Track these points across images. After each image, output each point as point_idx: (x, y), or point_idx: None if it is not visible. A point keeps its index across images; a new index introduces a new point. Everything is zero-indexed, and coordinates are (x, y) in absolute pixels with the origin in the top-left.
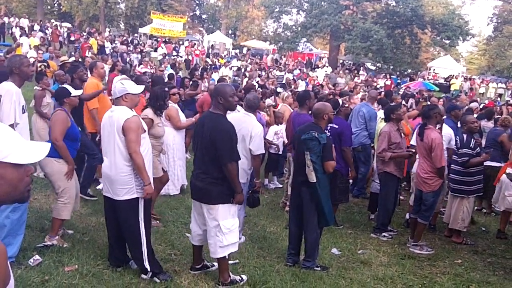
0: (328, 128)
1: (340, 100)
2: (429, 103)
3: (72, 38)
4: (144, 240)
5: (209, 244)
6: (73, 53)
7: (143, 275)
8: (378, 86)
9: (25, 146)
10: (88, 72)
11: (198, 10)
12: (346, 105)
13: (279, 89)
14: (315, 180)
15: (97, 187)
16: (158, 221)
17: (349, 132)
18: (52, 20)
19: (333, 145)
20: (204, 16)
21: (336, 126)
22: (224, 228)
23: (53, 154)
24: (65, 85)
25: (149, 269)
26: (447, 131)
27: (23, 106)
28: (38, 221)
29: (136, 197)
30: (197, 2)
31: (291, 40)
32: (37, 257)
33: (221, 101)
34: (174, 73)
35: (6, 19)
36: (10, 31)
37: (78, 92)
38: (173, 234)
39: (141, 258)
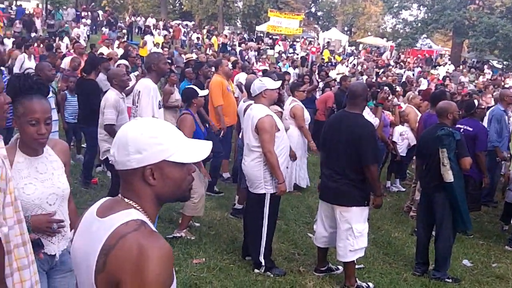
0: (461, 130)
1: (476, 101)
2: None
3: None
4: (265, 235)
5: (338, 247)
6: (194, 50)
7: (256, 270)
8: (506, 86)
9: (188, 145)
10: (213, 69)
11: (313, 7)
12: (483, 106)
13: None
14: (452, 180)
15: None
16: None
17: (484, 136)
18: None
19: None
20: (319, 13)
21: (470, 129)
22: (356, 232)
23: None
24: (192, 86)
25: (263, 263)
26: None
27: (159, 101)
28: (167, 212)
29: (263, 192)
30: None
31: (410, 37)
32: None
33: (366, 100)
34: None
35: (133, 19)
36: (136, 30)
37: (205, 93)
38: (295, 233)
39: (258, 252)
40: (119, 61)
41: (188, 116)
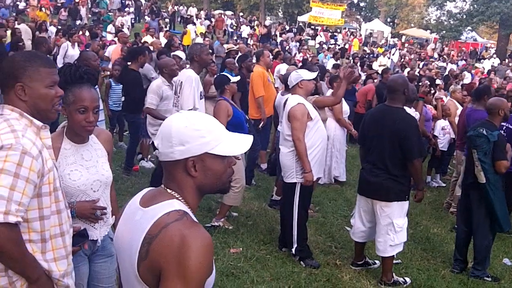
0: (504, 128)
1: None
2: None
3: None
4: (296, 224)
5: (378, 241)
6: (237, 40)
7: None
8: None
9: (230, 138)
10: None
11: None
12: None
13: (438, 81)
14: (484, 181)
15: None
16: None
17: None
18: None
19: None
20: (362, 4)
21: None
22: (396, 227)
23: None
24: (224, 73)
25: (294, 253)
26: None
27: (200, 92)
28: (206, 201)
29: (295, 182)
30: None
31: (454, 29)
32: None
33: (406, 93)
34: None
35: (176, 8)
36: (179, 19)
37: (236, 78)
38: (332, 226)
39: (291, 241)
40: (175, 53)
41: (222, 102)
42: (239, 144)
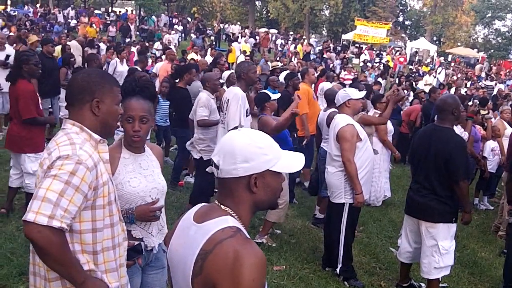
0: None
1: None
2: None
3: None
4: (342, 245)
5: (423, 263)
6: (280, 57)
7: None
8: None
9: (286, 155)
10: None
11: (401, 16)
12: None
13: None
14: None
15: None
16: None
17: None
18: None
19: None
20: (407, 22)
21: None
22: (442, 249)
23: None
24: (264, 90)
25: (338, 273)
26: None
27: (247, 109)
28: None
29: (343, 202)
30: (401, 8)
31: (502, 48)
32: None
33: (455, 113)
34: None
35: (221, 26)
36: (224, 37)
37: (277, 96)
38: (377, 247)
39: (335, 261)
40: (224, 73)
41: (268, 117)
42: (295, 160)
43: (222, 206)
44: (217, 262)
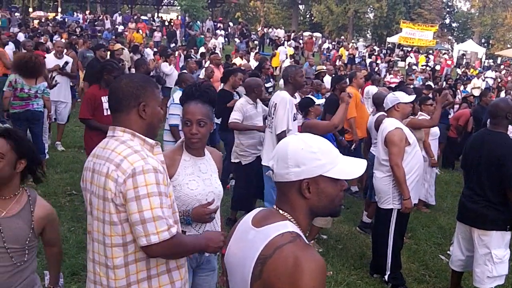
0: None
1: None
2: None
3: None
4: (391, 251)
5: (475, 272)
6: (324, 61)
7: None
8: None
9: (344, 161)
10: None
11: (448, 18)
12: None
13: None
14: None
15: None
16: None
17: None
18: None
19: None
20: (454, 24)
21: None
22: (495, 258)
23: None
24: (309, 95)
25: (387, 280)
26: None
27: (294, 113)
28: None
29: (391, 208)
30: (448, 10)
31: None
32: None
33: (509, 118)
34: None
35: (265, 30)
36: (268, 41)
37: (321, 101)
38: (426, 254)
39: (384, 267)
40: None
41: (313, 119)
42: (352, 167)
43: (281, 211)
44: (276, 267)
